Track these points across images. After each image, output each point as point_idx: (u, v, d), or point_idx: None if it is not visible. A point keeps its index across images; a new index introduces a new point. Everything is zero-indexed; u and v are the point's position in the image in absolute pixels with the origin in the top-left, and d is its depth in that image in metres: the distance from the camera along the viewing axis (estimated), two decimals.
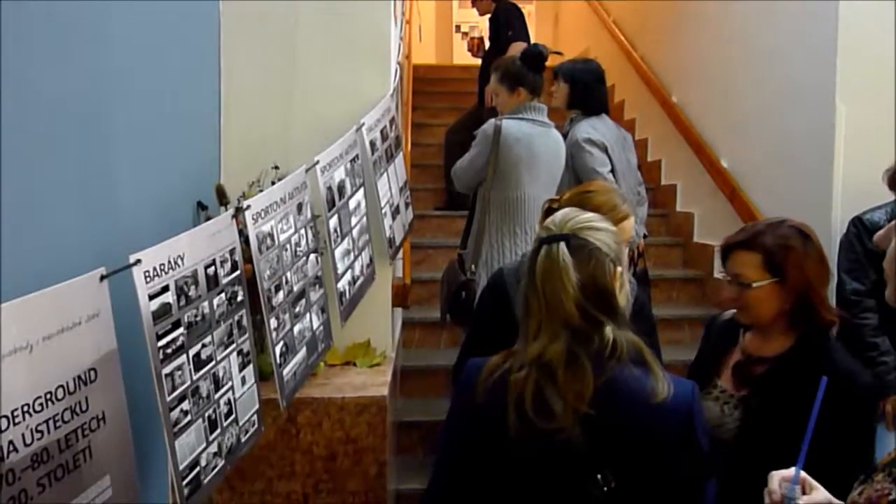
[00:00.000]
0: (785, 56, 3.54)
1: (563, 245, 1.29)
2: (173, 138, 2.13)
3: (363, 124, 2.54)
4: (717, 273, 1.84)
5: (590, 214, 1.39)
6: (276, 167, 2.47)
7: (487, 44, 5.00)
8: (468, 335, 2.16)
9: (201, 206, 2.33)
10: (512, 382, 1.27)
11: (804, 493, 1.07)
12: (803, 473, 1.09)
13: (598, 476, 1.21)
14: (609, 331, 1.27)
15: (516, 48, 4.52)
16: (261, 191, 2.24)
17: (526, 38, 4.73)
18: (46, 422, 1.08)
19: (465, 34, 8.85)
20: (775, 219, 1.76)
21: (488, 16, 4.99)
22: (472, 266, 2.77)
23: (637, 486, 1.23)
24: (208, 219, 2.25)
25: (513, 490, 1.28)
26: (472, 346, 1.99)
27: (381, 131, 2.71)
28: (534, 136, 2.81)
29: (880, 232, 0.97)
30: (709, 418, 1.67)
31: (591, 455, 1.22)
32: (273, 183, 2.36)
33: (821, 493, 1.06)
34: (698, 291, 4.29)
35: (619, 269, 1.33)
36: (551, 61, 3.11)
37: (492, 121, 2.87)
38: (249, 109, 2.64)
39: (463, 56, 6.49)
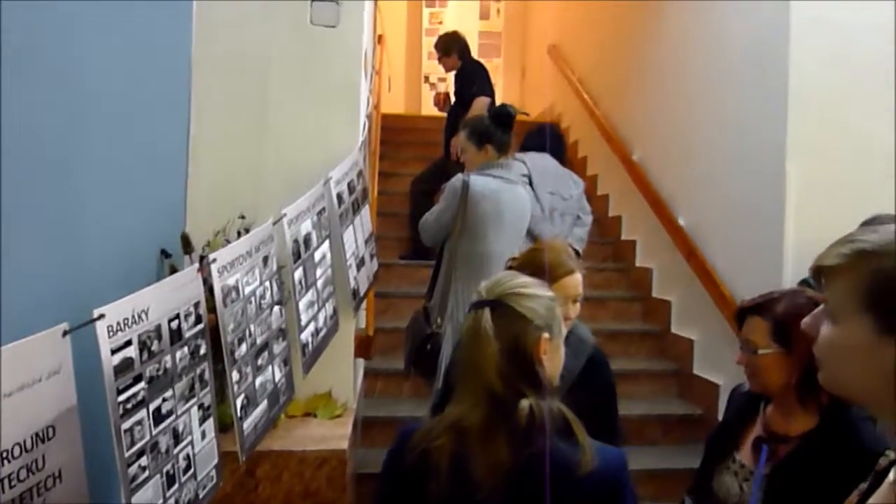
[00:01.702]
0: (739, 121, 3.70)
1: (487, 311, 1.30)
2: (139, 186, 2.14)
3: (331, 178, 2.58)
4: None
5: (523, 279, 1.38)
6: (243, 217, 2.48)
7: (453, 98, 5.12)
8: (438, 394, 2.18)
9: (165, 254, 2.33)
10: (431, 449, 1.26)
11: None
12: None
13: None
14: (526, 402, 1.25)
15: (480, 103, 4.66)
16: (227, 241, 2.25)
17: (490, 94, 4.86)
18: (1, 481, 1.06)
19: (433, 85, 9.01)
20: (796, 288, 1.74)
21: (454, 72, 5.12)
22: (438, 319, 2.79)
23: None
24: (172, 267, 2.26)
25: None
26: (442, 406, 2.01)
27: (349, 184, 2.75)
28: (500, 193, 2.87)
29: (807, 319, 0.97)
30: (727, 495, 1.65)
31: None
32: (239, 233, 2.37)
33: None
34: (656, 346, 4.36)
35: (545, 336, 1.30)
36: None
37: (459, 176, 2.92)
38: (218, 158, 2.66)
39: (431, 107, 6.60)
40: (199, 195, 2.64)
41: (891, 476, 0.91)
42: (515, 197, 2.94)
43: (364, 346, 2.98)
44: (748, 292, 1.70)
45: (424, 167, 5.13)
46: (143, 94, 2.16)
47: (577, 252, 3.54)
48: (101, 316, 1.32)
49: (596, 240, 5.14)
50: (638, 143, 4.97)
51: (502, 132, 2.98)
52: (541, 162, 3.94)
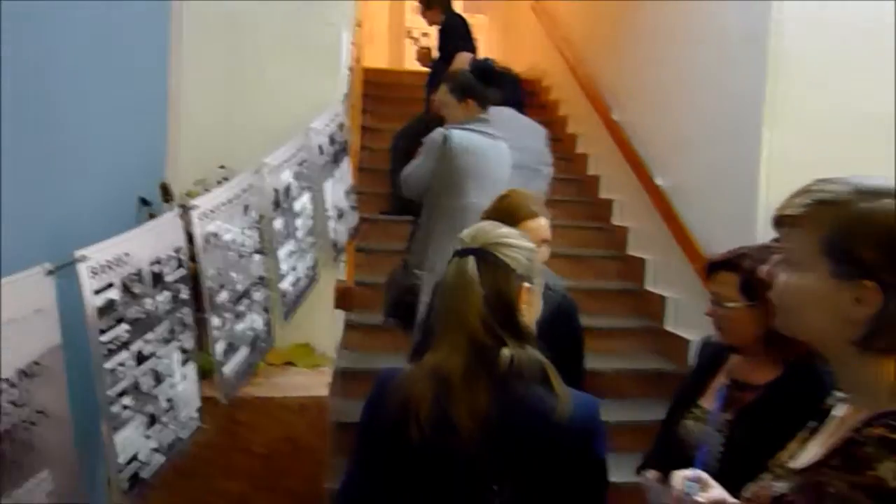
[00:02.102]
0: (719, 84, 3.72)
1: (472, 259, 1.32)
2: (119, 136, 2.13)
3: (312, 128, 2.58)
4: None
5: (506, 230, 1.41)
6: (223, 166, 2.48)
7: (436, 53, 5.08)
8: (414, 347, 2.22)
9: (144, 202, 2.33)
10: (412, 395, 1.28)
11: (702, 490, 1.17)
12: (702, 473, 1.18)
13: (494, 487, 1.24)
14: (507, 350, 1.28)
15: (462, 59, 4.63)
16: (207, 191, 2.26)
17: (472, 49, 4.83)
18: None
19: (416, 40, 8.90)
20: (765, 244, 1.78)
21: (437, 26, 5.07)
22: (417, 271, 2.83)
23: (538, 499, 1.26)
24: (151, 215, 2.26)
25: (418, 497, 1.31)
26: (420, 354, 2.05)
27: (330, 135, 2.75)
28: (481, 147, 2.89)
29: (766, 267, 1.02)
30: (692, 438, 1.69)
31: (490, 469, 1.25)
32: (219, 182, 2.38)
33: (717, 490, 1.16)
34: (632, 303, 4.45)
35: (525, 285, 1.33)
36: None
37: (440, 129, 2.93)
38: (198, 109, 2.65)
39: (414, 61, 6.55)
40: (178, 146, 2.63)
41: (836, 412, 0.97)
42: (497, 152, 2.96)
43: (344, 298, 3.01)
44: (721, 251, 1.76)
45: (406, 123, 5.11)
46: (123, 43, 2.14)
47: None
48: (84, 257, 1.34)
49: (574, 198, 5.20)
50: (619, 103, 4.98)
51: (484, 87, 2.98)
52: (498, 116, 3.75)
